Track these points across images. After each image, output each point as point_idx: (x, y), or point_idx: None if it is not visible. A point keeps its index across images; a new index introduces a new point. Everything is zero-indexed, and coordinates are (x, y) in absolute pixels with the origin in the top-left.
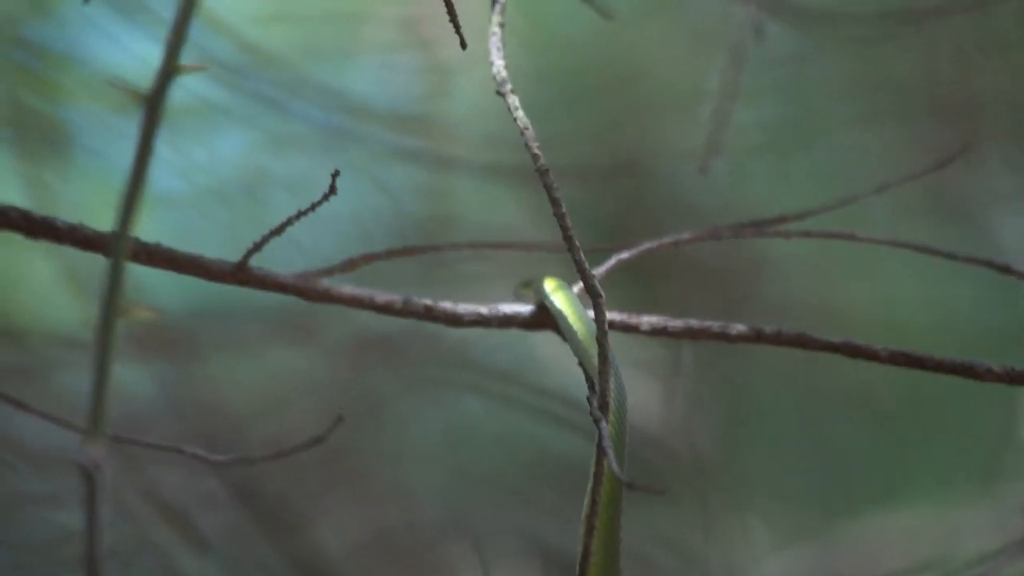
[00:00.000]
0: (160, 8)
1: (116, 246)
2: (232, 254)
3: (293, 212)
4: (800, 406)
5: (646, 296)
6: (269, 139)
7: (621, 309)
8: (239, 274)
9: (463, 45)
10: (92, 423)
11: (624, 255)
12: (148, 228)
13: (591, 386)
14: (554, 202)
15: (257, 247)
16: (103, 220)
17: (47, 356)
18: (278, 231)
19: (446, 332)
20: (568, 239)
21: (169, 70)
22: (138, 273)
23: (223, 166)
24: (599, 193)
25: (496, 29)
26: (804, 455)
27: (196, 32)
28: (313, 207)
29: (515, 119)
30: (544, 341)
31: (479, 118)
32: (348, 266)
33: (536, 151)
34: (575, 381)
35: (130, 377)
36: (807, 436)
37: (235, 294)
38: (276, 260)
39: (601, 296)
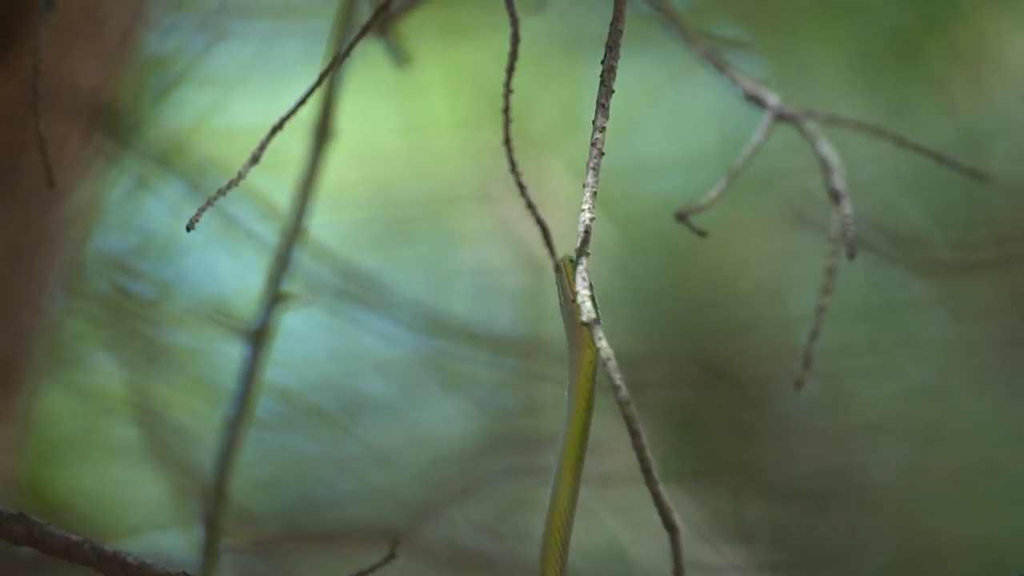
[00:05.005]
0: (262, 233)
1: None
2: (332, 478)
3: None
4: None
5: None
6: (368, 360)
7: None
8: None
9: (557, 269)
10: None
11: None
12: (248, 452)
13: None
14: (633, 434)
15: None
16: (206, 440)
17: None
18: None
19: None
20: (646, 472)
21: (273, 300)
22: (236, 485)
23: (323, 388)
24: (695, 405)
25: (583, 260)
26: None
27: (295, 255)
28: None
29: (598, 349)
30: (640, 547)
31: None
32: None
33: (619, 382)
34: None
35: None
36: None
37: (330, 509)
38: (374, 477)
39: (677, 529)
